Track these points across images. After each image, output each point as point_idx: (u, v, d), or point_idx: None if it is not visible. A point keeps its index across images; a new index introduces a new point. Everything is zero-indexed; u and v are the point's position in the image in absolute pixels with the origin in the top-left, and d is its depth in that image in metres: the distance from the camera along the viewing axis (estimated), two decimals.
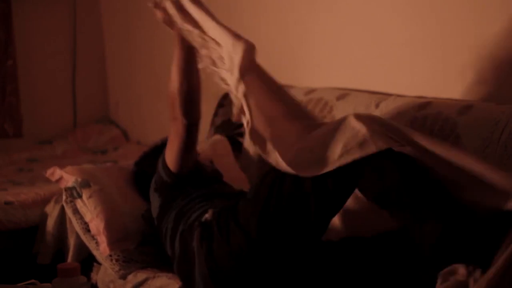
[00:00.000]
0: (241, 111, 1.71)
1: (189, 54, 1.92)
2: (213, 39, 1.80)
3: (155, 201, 2.09)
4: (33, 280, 1.71)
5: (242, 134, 2.66)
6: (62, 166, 2.44)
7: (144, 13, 3.74)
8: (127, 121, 3.99)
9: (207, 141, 2.65)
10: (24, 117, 3.63)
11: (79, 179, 2.33)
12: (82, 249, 2.41)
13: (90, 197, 2.30)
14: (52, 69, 3.91)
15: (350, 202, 1.69)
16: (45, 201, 2.78)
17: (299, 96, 2.53)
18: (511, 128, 1.87)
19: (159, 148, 2.22)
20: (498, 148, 1.87)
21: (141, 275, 2.17)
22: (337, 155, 1.51)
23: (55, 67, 3.93)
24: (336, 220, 1.83)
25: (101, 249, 2.24)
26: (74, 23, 3.92)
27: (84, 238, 2.32)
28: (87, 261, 2.37)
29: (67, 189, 2.34)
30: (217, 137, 2.66)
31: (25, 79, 3.68)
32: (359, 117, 1.57)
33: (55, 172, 2.43)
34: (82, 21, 3.95)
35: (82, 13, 3.95)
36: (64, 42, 3.93)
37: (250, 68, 1.73)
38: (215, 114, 2.81)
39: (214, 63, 1.81)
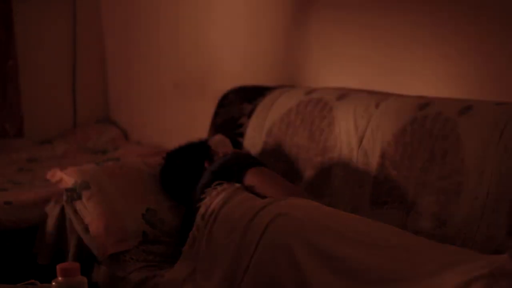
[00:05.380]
0: None
1: None
2: None
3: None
4: (33, 280, 1.70)
5: (242, 134, 2.66)
6: (62, 166, 2.44)
7: (144, 13, 3.75)
8: (127, 121, 3.99)
9: (209, 140, 2.65)
10: (25, 117, 3.63)
11: (79, 181, 2.34)
12: (82, 249, 2.40)
13: (89, 199, 2.30)
14: (52, 69, 3.91)
15: None
16: (45, 201, 2.76)
17: (299, 96, 2.53)
18: (511, 128, 1.87)
19: (194, 146, 2.44)
20: (498, 148, 1.87)
21: (141, 274, 2.17)
22: None
23: (55, 67, 3.93)
24: None
25: (101, 250, 2.25)
26: (74, 23, 3.92)
27: (85, 238, 2.32)
28: (87, 261, 2.37)
29: (67, 191, 2.35)
30: (219, 136, 2.66)
31: (25, 79, 3.68)
32: None
33: (55, 174, 2.43)
34: (82, 21, 3.95)
35: (82, 13, 3.94)
36: (64, 42, 3.93)
37: None
38: (215, 114, 2.80)
39: None
